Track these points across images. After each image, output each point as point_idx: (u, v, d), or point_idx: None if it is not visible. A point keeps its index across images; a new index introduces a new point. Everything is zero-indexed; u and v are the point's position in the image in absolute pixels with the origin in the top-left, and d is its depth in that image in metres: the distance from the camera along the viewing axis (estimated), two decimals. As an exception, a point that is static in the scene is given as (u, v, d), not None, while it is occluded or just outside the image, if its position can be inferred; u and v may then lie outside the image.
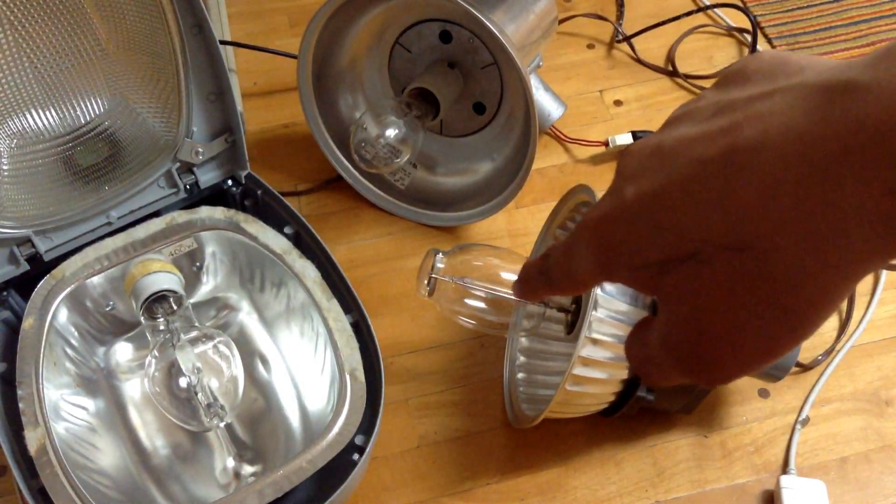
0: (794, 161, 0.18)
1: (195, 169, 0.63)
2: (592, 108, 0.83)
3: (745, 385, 0.64)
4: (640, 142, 0.24)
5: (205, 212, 0.61)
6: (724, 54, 0.88)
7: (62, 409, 0.54)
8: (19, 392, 0.51)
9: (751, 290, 0.20)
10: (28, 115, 0.55)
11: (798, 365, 0.65)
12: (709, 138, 0.21)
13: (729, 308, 0.21)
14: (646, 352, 0.25)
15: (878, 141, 0.17)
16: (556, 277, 0.28)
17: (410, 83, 0.69)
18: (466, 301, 0.57)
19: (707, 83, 0.84)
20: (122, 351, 0.61)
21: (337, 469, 0.50)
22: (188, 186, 0.63)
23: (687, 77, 0.85)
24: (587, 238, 0.25)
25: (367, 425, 0.52)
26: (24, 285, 0.58)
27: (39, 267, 0.58)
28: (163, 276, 0.57)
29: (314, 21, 0.66)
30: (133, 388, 0.59)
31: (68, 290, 0.57)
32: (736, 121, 0.20)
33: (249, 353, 0.61)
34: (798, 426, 0.62)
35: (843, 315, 0.69)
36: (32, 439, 0.49)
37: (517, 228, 0.75)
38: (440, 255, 0.56)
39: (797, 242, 0.19)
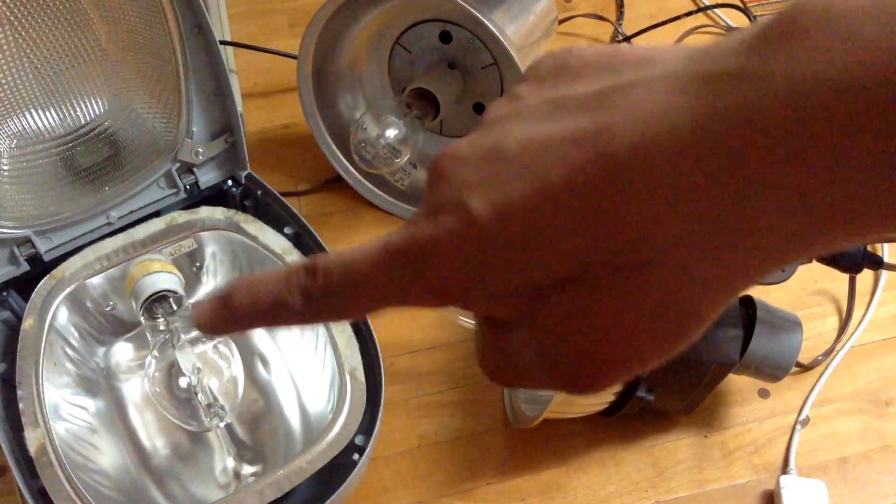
0: (689, 168, 0.16)
1: (195, 169, 0.63)
2: (592, 109, 0.83)
3: (745, 385, 0.64)
4: (461, 145, 0.20)
5: (205, 212, 0.61)
6: (724, 54, 0.88)
7: (62, 409, 0.54)
8: (19, 392, 0.51)
9: (649, 306, 0.18)
10: (28, 115, 0.55)
11: (798, 365, 0.65)
12: (571, 140, 0.18)
13: (624, 326, 0.19)
14: (515, 364, 0.21)
15: (782, 142, 0.15)
16: (334, 306, 0.22)
17: (410, 83, 0.69)
18: (466, 301, 0.57)
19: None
20: (122, 351, 0.61)
21: (337, 469, 0.50)
22: (188, 187, 0.63)
23: (687, 77, 0.85)
24: (428, 262, 0.19)
25: (367, 425, 0.52)
26: (24, 285, 0.58)
27: (39, 267, 0.58)
28: (163, 277, 0.57)
29: (314, 21, 0.66)
30: (133, 388, 0.59)
31: (68, 290, 0.57)
32: (600, 121, 0.17)
33: (249, 353, 0.61)
34: (798, 426, 0.62)
35: (843, 315, 0.69)
36: (32, 439, 0.49)
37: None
38: (440, 255, 0.56)
39: (701, 253, 0.17)
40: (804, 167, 0.15)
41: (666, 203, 0.17)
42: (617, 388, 0.54)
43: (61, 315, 0.57)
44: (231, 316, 0.22)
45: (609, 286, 0.18)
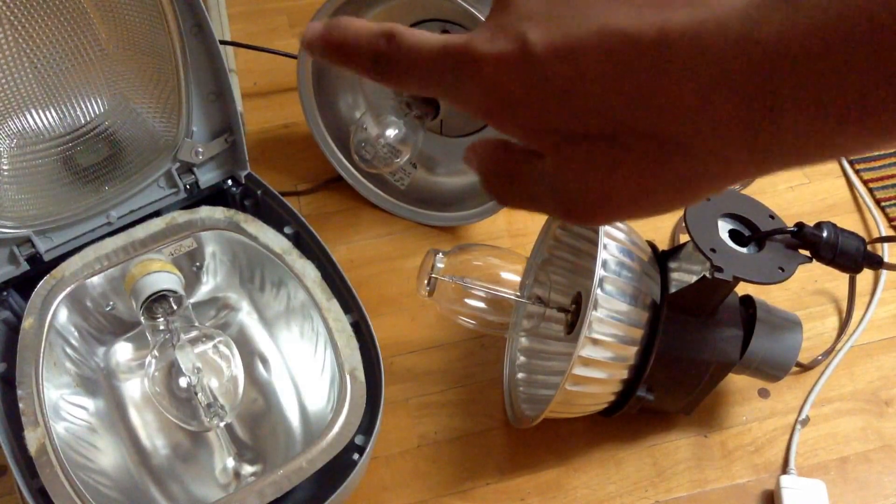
0: (729, 63, 0.18)
1: (195, 169, 0.63)
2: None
3: (745, 385, 0.65)
4: None
5: (205, 212, 0.61)
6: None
7: (62, 409, 0.54)
8: (19, 392, 0.51)
9: (661, 175, 0.21)
10: (28, 115, 0.55)
11: (798, 365, 0.65)
12: (633, 4, 0.19)
13: (633, 188, 0.21)
14: (532, 191, 0.24)
15: (805, 49, 0.17)
16: (394, 73, 0.23)
17: (410, 83, 0.69)
18: (466, 301, 0.57)
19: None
20: (122, 351, 0.61)
21: (337, 469, 0.50)
22: (188, 186, 0.63)
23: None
24: (480, 78, 0.21)
25: (367, 425, 0.52)
26: (24, 285, 0.58)
27: (39, 267, 0.58)
28: (163, 276, 0.57)
29: (314, 21, 0.66)
30: (133, 388, 0.59)
31: (68, 290, 0.57)
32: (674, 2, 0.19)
33: (249, 353, 0.61)
34: (798, 426, 0.62)
35: (843, 315, 0.69)
36: (32, 439, 0.49)
37: (517, 228, 0.75)
38: (440, 255, 0.56)
39: (717, 142, 0.19)
40: (817, 77, 0.17)
41: (704, 95, 0.18)
42: (617, 388, 0.54)
43: (61, 315, 0.57)
44: (324, 44, 0.24)
45: (633, 148, 0.20)
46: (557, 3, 0.20)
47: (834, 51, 0.17)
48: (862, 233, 0.66)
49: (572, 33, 0.19)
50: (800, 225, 0.50)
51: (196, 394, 0.54)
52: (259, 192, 0.64)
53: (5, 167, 0.55)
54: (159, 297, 0.56)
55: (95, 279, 0.58)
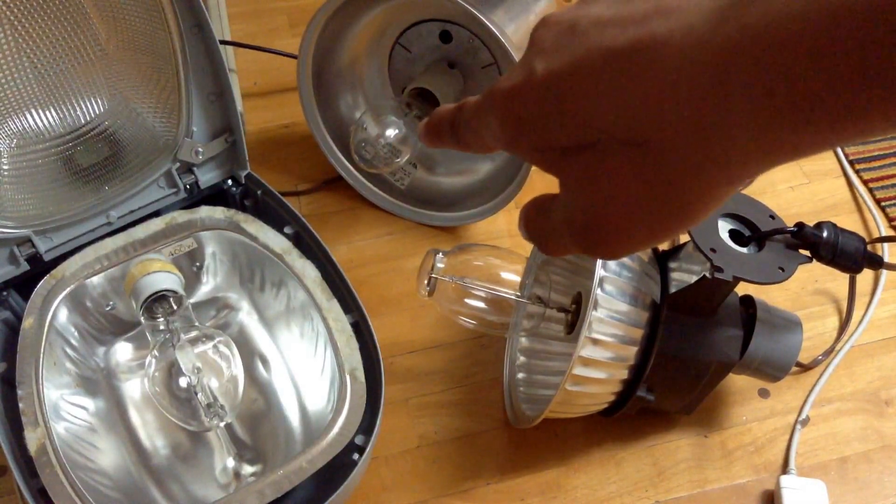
0: (691, 61, 0.19)
1: (195, 169, 0.63)
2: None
3: (745, 385, 0.65)
4: (557, 15, 0.24)
5: (205, 212, 0.61)
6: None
7: (62, 409, 0.54)
8: (19, 392, 0.51)
9: (644, 183, 0.22)
10: (28, 115, 0.55)
11: (798, 365, 0.65)
12: (620, 25, 0.21)
13: (623, 197, 0.22)
14: (549, 226, 0.26)
15: (759, 46, 0.18)
16: (462, 137, 0.28)
17: (410, 83, 0.69)
18: (466, 301, 0.57)
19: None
20: (122, 351, 0.61)
21: (337, 469, 0.50)
22: (188, 186, 0.63)
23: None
24: (496, 109, 0.25)
25: (367, 425, 0.52)
26: (24, 285, 0.58)
27: (39, 267, 0.58)
28: (163, 276, 0.57)
29: (314, 21, 0.66)
30: (133, 388, 0.59)
31: (68, 290, 0.57)
32: (647, 11, 0.21)
33: (249, 353, 0.61)
34: (798, 426, 0.62)
35: (843, 315, 0.69)
36: (32, 439, 0.49)
37: (517, 228, 0.74)
38: (440, 255, 0.56)
39: (687, 140, 0.20)
40: (770, 71, 0.18)
41: (667, 92, 0.20)
42: (617, 388, 0.53)
43: (61, 315, 0.57)
44: (426, 133, 0.30)
45: (614, 154, 0.22)
46: (564, 34, 0.23)
47: (777, 49, 0.18)
48: (862, 233, 0.66)
49: (569, 58, 0.22)
50: (800, 225, 0.50)
51: (196, 394, 0.54)
52: (259, 192, 0.64)
53: (5, 167, 0.55)
54: (159, 297, 0.56)
55: (95, 279, 0.58)
